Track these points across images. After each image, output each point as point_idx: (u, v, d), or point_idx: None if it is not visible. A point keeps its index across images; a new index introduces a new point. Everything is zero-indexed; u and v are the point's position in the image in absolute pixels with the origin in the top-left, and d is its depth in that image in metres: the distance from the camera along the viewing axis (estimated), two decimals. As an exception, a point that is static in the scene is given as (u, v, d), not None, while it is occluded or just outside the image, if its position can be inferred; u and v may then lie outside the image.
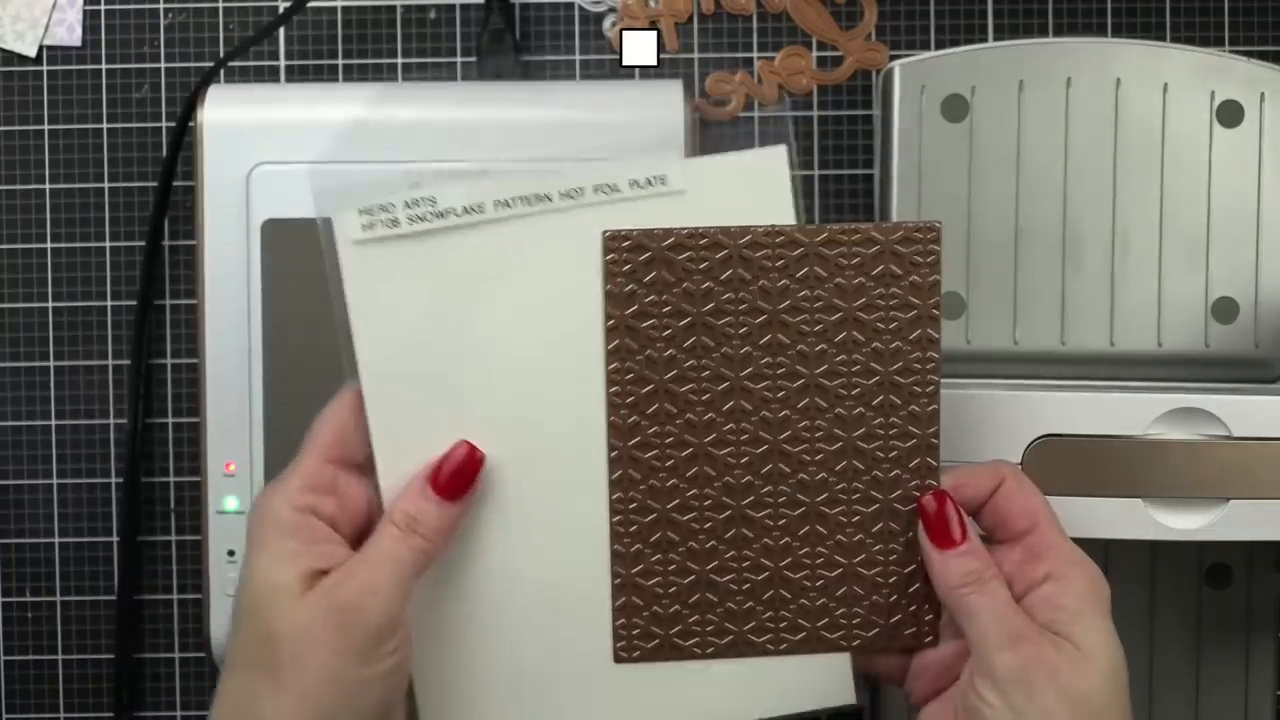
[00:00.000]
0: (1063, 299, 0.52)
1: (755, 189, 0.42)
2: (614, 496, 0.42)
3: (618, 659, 0.42)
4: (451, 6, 0.57)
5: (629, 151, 0.49)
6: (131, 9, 0.57)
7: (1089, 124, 0.52)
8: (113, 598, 0.56)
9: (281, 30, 0.57)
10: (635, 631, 0.42)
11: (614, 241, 0.41)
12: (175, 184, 0.56)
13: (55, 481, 0.57)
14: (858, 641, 0.42)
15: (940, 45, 0.57)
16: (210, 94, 0.53)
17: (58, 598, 0.57)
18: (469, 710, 0.42)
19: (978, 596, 0.40)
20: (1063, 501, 0.45)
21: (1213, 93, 0.52)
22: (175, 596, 0.57)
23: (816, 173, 0.57)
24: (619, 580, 0.42)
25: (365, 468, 0.42)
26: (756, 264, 0.41)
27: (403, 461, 0.41)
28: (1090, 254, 0.52)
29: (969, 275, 0.52)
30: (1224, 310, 0.52)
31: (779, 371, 0.41)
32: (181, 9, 0.57)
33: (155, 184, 0.56)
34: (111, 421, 0.57)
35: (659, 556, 0.42)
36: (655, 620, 0.42)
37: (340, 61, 0.57)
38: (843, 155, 0.57)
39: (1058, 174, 0.52)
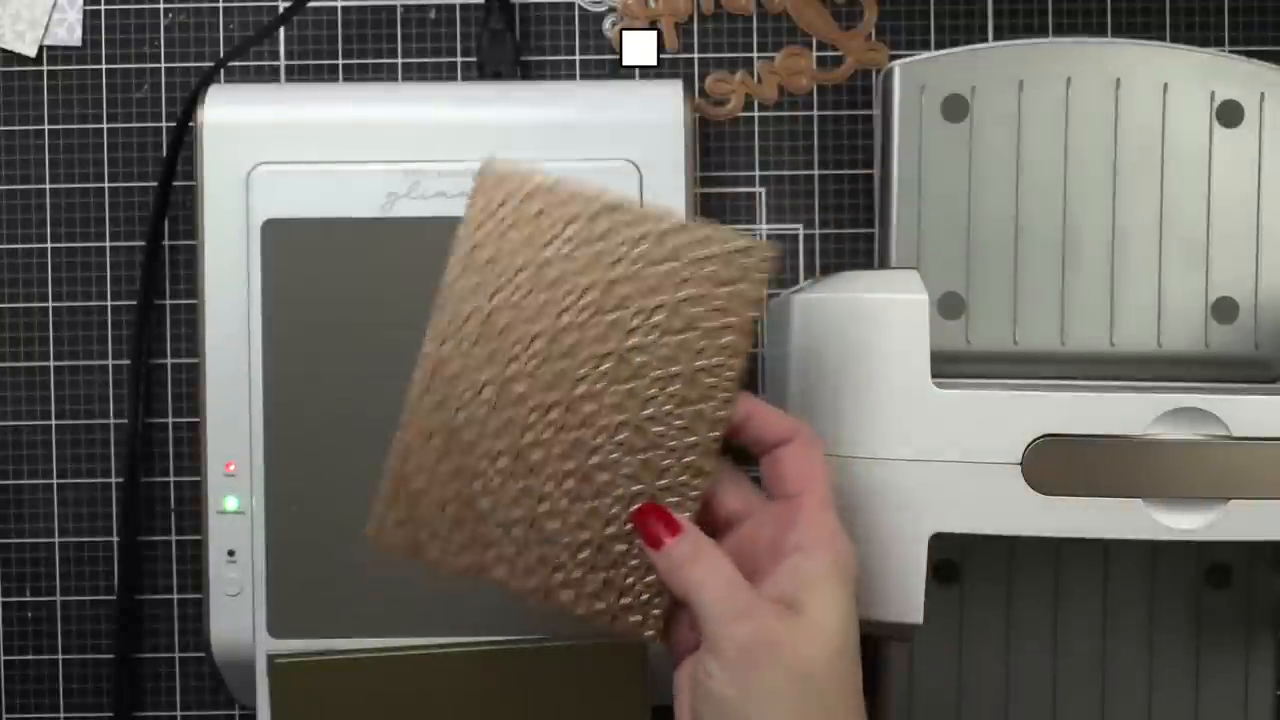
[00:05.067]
0: (1062, 299, 0.52)
1: None
2: (415, 396, 0.42)
3: (370, 541, 0.43)
4: (451, 6, 0.57)
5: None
6: (131, 9, 0.57)
7: (1089, 124, 0.52)
8: (113, 598, 0.56)
9: (281, 30, 0.57)
10: (391, 521, 0.43)
11: (483, 178, 0.42)
12: (175, 184, 0.56)
13: (55, 481, 0.57)
14: (582, 609, 0.42)
15: (940, 45, 0.57)
16: (210, 94, 0.53)
17: (58, 598, 0.57)
18: None
19: (696, 571, 0.40)
20: (1063, 501, 0.45)
21: (1213, 93, 0.52)
22: (175, 596, 0.57)
23: (817, 172, 0.57)
24: (394, 473, 0.43)
25: None
26: (599, 231, 0.42)
27: None
28: (1090, 254, 0.52)
29: (969, 275, 0.52)
30: (1224, 310, 0.52)
31: (590, 332, 0.42)
32: (181, 9, 0.57)
33: (155, 184, 0.56)
34: (111, 421, 0.57)
35: (432, 465, 0.42)
36: (412, 519, 0.43)
37: (340, 61, 0.57)
38: (843, 155, 0.57)
39: (1058, 174, 0.52)
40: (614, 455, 0.42)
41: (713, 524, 0.43)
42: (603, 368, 0.42)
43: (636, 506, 0.42)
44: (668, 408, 0.42)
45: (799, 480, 0.41)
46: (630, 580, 0.43)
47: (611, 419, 0.42)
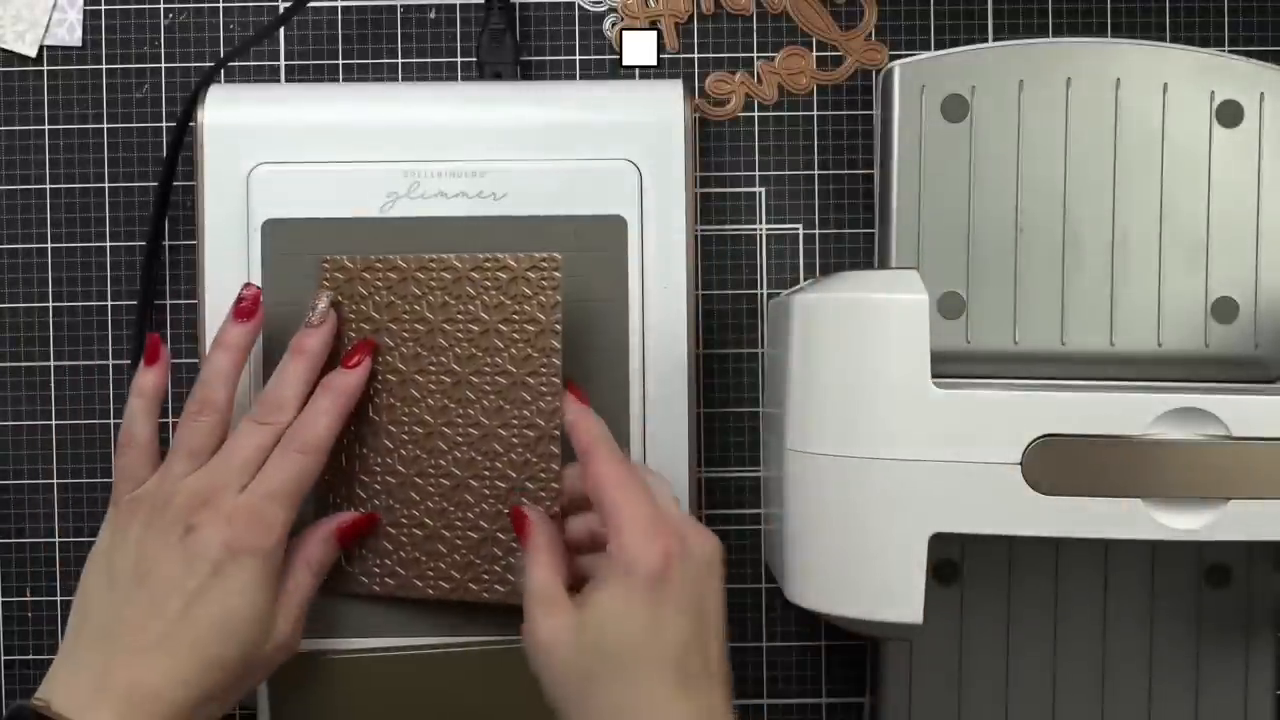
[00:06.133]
0: (1063, 299, 0.52)
1: None
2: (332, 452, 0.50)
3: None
4: (451, 6, 0.57)
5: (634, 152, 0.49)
6: (131, 9, 0.57)
7: (1089, 124, 0.52)
8: (113, 598, 0.56)
9: (281, 30, 0.57)
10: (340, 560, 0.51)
11: (327, 264, 0.51)
12: (175, 184, 0.56)
13: (55, 481, 0.57)
14: (489, 596, 0.50)
15: (940, 45, 0.57)
16: (210, 94, 0.53)
17: (58, 597, 0.57)
18: None
19: (530, 570, 0.46)
20: (1063, 502, 0.45)
21: (1213, 93, 0.52)
22: (175, 596, 0.57)
23: (817, 172, 0.57)
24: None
25: None
26: (424, 284, 0.50)
27: None
28: (1090, 254, 0.52)
29: (969, 275, 0.52)
30: (1224, 310, 0.52)
31: (439, 369, 0.50)
32: (181, 9, 0.57)
33: (155, 184, 0.56)
34: (112, 421, 0.57)
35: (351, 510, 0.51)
36: (346, 557, 0.51)
37: (340, 61, 0.57)
38: (843, 155, 0.57)
39: (1058, 174, 0.52)
40: (484, 464, 0.50)
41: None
42: (456, 396, 0.50)
43: (513, 505, 0.49)
44: (513, 412, 0.49)
45: (592, 490, 0.45)
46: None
47: (474, 435, 0.50)
